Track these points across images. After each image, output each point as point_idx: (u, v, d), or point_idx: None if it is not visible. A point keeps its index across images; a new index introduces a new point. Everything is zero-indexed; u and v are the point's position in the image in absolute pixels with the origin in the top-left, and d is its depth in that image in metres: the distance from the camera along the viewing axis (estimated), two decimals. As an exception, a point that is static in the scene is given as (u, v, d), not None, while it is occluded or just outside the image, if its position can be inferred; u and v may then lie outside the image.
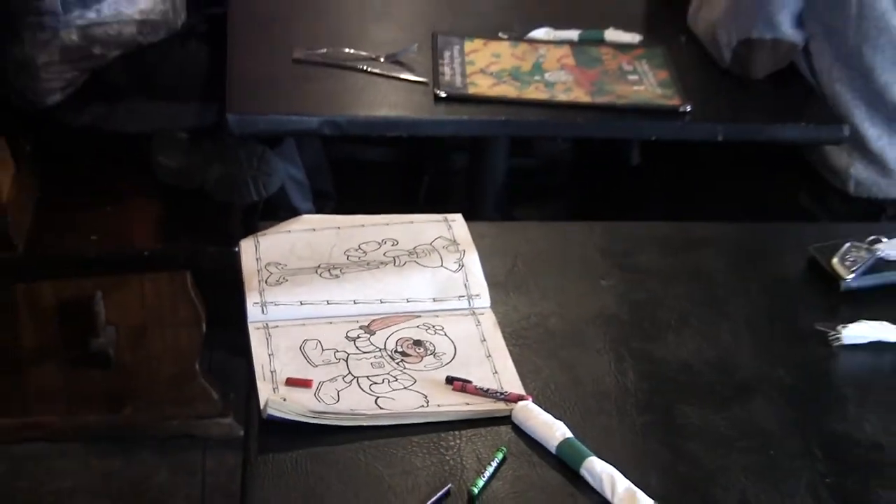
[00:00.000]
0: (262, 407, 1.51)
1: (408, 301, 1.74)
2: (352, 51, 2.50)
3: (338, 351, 1.64)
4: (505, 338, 1.69)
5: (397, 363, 1.62)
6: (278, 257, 1.81)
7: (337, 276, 1.77)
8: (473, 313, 1.73)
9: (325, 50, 2.49)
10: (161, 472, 2.81)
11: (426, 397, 1.56)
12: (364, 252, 1.83)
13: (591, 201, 3.38)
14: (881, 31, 2.42)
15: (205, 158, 2.86)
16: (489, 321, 1.72)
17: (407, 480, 1.44)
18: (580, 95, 2.39)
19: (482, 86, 2.40)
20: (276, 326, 1.68)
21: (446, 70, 2.44)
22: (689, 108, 2.36)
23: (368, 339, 1.67)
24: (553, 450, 1.48)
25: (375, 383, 1.58)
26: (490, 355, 1.65)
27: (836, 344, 1.71)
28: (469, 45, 2.55)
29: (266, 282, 1.75)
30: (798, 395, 1.63)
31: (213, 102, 2.60)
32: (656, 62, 2.53)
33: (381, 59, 2.47)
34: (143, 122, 2.88)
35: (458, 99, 2.36)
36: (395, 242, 1.86)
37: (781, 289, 1.85)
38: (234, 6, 2.75)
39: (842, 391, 1.65)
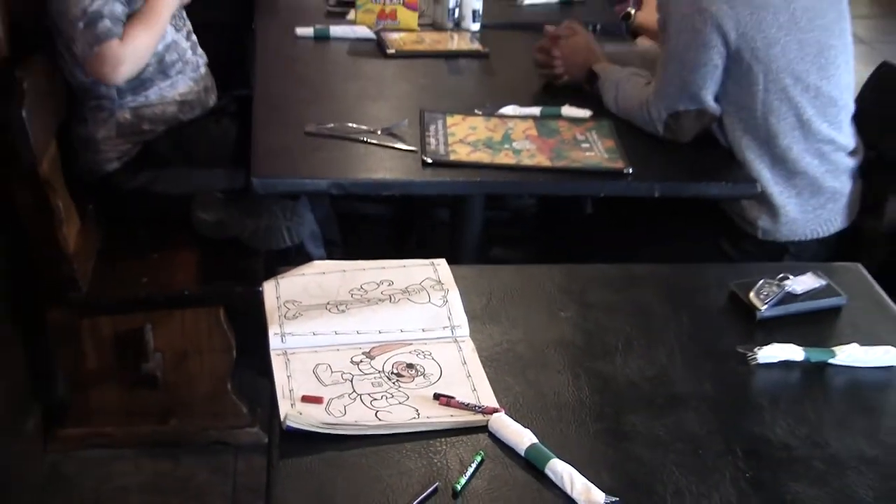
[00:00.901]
0: (282, 419, 1.51)
1: (401, 331, 1.73)
2: (354, 125, 2.50)
3: (344, 373, 1.63)
4: (482, 361, 1.68)
5: (393, 383, 1.62)
6: (294, 296, 1.81)
7: (343, 311, 1.76)
8: (456, 341, 1.73)
9: (331, 125, 2.49)
10: (200, 472, 2.79)
11: (417, 411, 1.56)
12: (365, 291, 1.83)
13: (552, 247, 3.37)
14: (783, 102, 2.43)
15: (238, 214, 2.85)
16: (469, 347, 1.71)
17: (402, 480, 1.43)
18: (542, 160, 2.39)
19: (461, 153, 2.39)
20: (293, 353, 1.68)
21: (432, 140, 2.44)
22: (630, 170, 2.36)
23: (369, 363, 1.66)
24: (522, 453, 1.48)
25: (375, 399, 1.58)
26: (470, 375, 1.64)
27: (753, 363, 1.71)
28: (450, 120, 2.54)
29: (285, 316, 1.75)
30: (721, 405, 1.62)
31: (241, 168, 2.59)
32: (604, 132, 2.53)
33: (378, 132, 2.47)
34: (184, 185, 2.87)
35: (442, 164, 2.36)
36: (391, 283, 1.85)
37: (707, 318, 1.85)
38: (257, 90, 2.75)
39: (757, 401, 1.64)
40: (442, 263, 1.92)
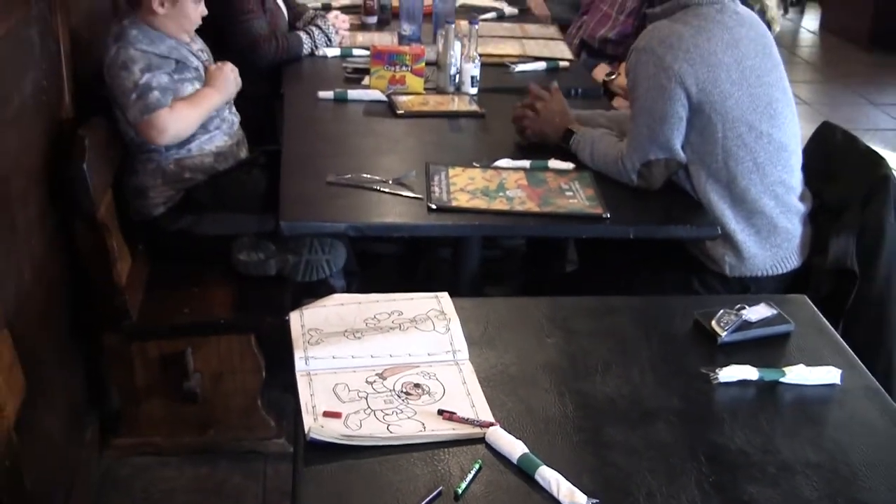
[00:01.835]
0: (306, 432, 1.51)
1: (409, 355, 1.74)
2: (368, 176, 2.50)
3: (360, 391, 1.64)
4: (479, 381, 1.68)
5: (402, 400, 1.62)
6: (317, 324, 1.81)
7: (359, 338, 1.77)
8: (457, 364, 1.73)
9: (349, 175, 2.50)
10: (235, 477, 2.78)
11: (424, 424, 1.56)
12: (378, 320, 1.83)
13: (539, 282, 3.38)
14: (740, 147, 2.43)
15: (279, 252, 2.86)
16: (468, 369, 1.71)
17: (410, 484, 1.43)
18: (531, 206, 2.40)
19: (462, 200, 2.40)
20: (316, 374, 1.68)
21: (436, 189, 2.45)
22: (608, 215, 2.36)
23: (382, 382, 1.67)
24: (515, 461, 1.48)
25: (387, 414, 1.58)
26: (469, 394, 1.65)
27: (715, 382, 1.71)
28: (452, 171, 2.55)
29: (308, 342, 1.75)
30: (688, 419, 1.63)
31: (270, 213, 2.59)
32: (585, 182, 2.53)
33: (390, 182, 2.48)
34: (221, 227, 2.87)
35: (445, 210, 2.36)
36: (400, 313, 1.86)
37: (675, 343, 1.85)
38: (285, 145, 2.76)
39: (719, 415, 1.64)
40: (445, 296, 1.92)
